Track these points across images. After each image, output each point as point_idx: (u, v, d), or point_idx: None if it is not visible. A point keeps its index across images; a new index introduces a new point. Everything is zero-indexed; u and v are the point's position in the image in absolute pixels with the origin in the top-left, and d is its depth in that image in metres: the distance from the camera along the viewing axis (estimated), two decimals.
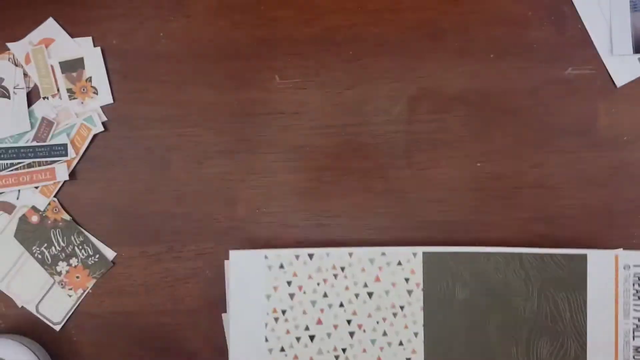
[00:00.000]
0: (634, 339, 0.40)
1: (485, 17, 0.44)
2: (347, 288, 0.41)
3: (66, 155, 0.45)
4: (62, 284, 0.46)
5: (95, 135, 0.45)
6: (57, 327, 0.46)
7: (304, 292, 0.41)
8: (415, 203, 0.45)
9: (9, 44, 0.45)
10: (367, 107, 0.45)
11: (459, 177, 0.45)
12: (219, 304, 0.46)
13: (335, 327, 0.41)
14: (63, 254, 0.46)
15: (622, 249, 0.41)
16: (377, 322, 0.41)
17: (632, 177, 0.44)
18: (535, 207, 0.44)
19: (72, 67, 0.45)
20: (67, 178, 0.45)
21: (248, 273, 0.41)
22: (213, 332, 0.46)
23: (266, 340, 0.41)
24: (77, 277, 0.46)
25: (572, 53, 0.44)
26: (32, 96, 0.46)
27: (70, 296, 0.46)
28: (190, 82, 0.45)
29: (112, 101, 0.45)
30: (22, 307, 0.46)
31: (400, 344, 0.41)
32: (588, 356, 0.40)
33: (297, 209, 0.45)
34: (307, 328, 0.41)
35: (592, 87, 0.44)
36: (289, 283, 0.41)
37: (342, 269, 0.41)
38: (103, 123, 0.45)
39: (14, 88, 0.45)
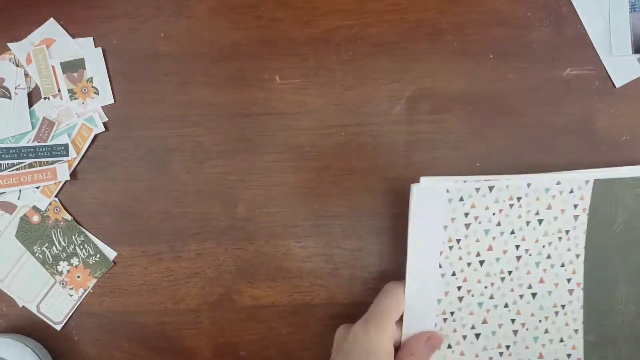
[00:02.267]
0: None
1: (484, 18, 0.44)
2: (519, 216, 0.42)
3: (67, 155, 0.45)
4: (63, 284, 0.46)
5: (96, 136, 0.46)
6: (58, 327, 0.47)
7: (479, 222, 0.42)
8: None
9: (10, 44, 0.45)
10: (367, 107, 0.45)
11: None
12: (219, 303, 0.46)
13: (505, 252, 0.42)
14: (64, 254, 0.46)
15: None
16: (543, 246, 0.42)
17: None
18: None
19: (73, 67, 0.45)
20: (68, 178, 0.45)
21: (428, 205, 0.41)
22: (213, 331, 0.46)
23: (440, 266, 0.42)
24: (78, 277, 0.46)
25: (571, 53, 0.44)
26: (33, 96, 0.46)
27: (71, 296, 0.46)
28: (190, 82, 0.45)
29: (112, 101, 0.46)
30: (23, 306, 0.46)
31: (562, 265, 0.42)
32: None
33: (297, 209, 0.46)
34: (478, 254, 0.42)
35: (591, 87, 0.44)
36: (466, 214, 0.42)
37: (519, 199, 0.42)
38: (104, 123, 0.46)
39: (15, 88, 0.45)
